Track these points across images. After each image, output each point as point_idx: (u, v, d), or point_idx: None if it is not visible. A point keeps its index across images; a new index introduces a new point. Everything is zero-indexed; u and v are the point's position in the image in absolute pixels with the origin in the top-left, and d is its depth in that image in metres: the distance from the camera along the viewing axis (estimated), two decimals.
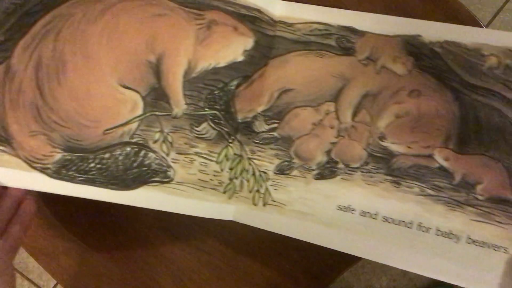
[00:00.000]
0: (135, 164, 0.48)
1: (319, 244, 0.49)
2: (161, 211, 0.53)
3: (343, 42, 0.51)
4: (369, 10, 0.51)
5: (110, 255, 0.59)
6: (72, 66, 0.47)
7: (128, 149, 0.48)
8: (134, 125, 0.48)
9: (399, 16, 0.50)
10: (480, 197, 0.46)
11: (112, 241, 0.60)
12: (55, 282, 1.60)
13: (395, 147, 0.48)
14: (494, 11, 1.44)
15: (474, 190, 0.46)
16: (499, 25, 1.44)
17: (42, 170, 0.46)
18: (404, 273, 1.40)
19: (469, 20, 0.53)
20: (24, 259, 1.60)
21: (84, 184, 0.47)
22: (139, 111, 0.48)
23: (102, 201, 0.48)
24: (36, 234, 0.60)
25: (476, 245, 0.46)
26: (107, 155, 0.47)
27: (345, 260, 0.56)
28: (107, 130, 0.47)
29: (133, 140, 0.48)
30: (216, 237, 0.58)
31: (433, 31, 0.49)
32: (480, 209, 0.46)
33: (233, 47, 0.51)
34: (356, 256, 0.51)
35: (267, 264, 0.57)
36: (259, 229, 0.51)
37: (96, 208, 0.59)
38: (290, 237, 0.50)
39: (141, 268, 0.59)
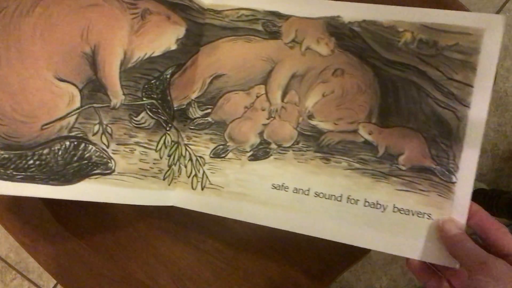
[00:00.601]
0: (75, 158, 0.48)
1: (256, 223, 0.52)
2: (161, 211, 0.55)
3: (269, 26, 0.53)
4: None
5: (110, 255, 0.60)
6: (5, 61, 0.45)
7: (67, 143, 0.48)
8: (72, 119, 0.48)
9: None
10: (402, 167, 0.48)
11: (112, 241, 0.60)
12: (55, 282, 1.63)
13: (323, 125, 0.51)
14: (494, 11, 1.45)
15: (397, 161, 0.49)
16: None
17: None
18: (404, 273, 1.43)
19: None
20: (24, 259, 1.63)
21: (24, 182, 0.46)
22: (77, 104, 0.48)
23: (102, 201, 0.50)
24: (36, 234, 0.61)
25: (401, 213, 0.48)
26: (46, 151, 0.47)
27: (345, 260, 0.57)
28: (45, 125, 0.47)
29: (72, 134, 0.48)
30: (216, 237, 0.59)
31: (351, 11, 0.51)
32: (404, 179, 0.48)
33: (167, 36, 0.52)
34: (356, 256, 0.53)
35: (267, 264, 0.58)
36: (259, 229, 0.52)
37: (96, 208, 0.59)
38: (290, 237, 0.52)
39: (141, 268, 0.60)
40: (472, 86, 0.47)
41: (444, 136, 0.48)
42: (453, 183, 0.47)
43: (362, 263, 1.45)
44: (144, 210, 0.56)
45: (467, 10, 0.51)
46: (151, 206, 0.54)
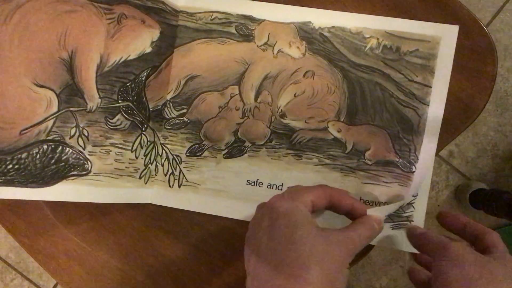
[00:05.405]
0: (52, 161, 0.52)
1: (232, 217, 0.58)
2: (160, 210, 0.59)
3: (242, 29, 0.59)
4: (369, 10, 0.58)
5: (110, 255, 0.62)
6: None
7: (45, 146, 0.51)
8: (50, 123, 0.51)
9: (401, 16, 0.57)
10: (369, 162, 0.57)
11: (112, 241, 0.62)
12: (55, 282, 1.66)
13: (294, 123, 0.58)
14: (494, 11, 1.52)
15: (363, 156, 0.57)
16: (499, 25, 1.52)
17: None
18: (404, 273, 1.51)
19: (469, 20, 0.57)
20: (24, 259, 1.66)
21: (3, 186, 0.50)
22: (54, 108, 0.51)
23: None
24: (36, 234, 0.62)
25: (366, 204, 0.56)
26: (24, 155, 0.50)
27: None
28: (23, 130, 0.50)
29: (50, 138, 0.52)
30: (216, 237, 0.61)
31: (321, 17, 0.58)
32: (370, 173, 0.57)
33: (142, 40, 0.56)
34: (357, 256, 0.59)
35: None
36: None
37: (96, 208, 0.61)
38: None
39: (141, 268, 0.62)
40: (430, 87, 0.56)
41: (406, 131, 0.56)
42: (413, 172, 0.56)
43: (362, 263, 1.50)
44: (143, 210, 0.60)
45: (467, 10, 0.57)
46: (151, 206, 0.60)
